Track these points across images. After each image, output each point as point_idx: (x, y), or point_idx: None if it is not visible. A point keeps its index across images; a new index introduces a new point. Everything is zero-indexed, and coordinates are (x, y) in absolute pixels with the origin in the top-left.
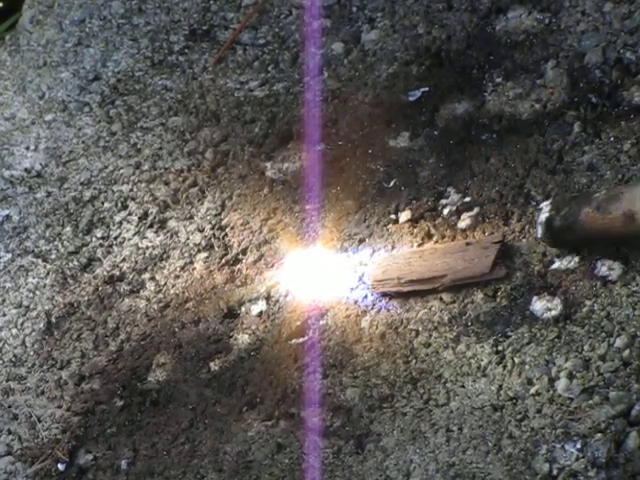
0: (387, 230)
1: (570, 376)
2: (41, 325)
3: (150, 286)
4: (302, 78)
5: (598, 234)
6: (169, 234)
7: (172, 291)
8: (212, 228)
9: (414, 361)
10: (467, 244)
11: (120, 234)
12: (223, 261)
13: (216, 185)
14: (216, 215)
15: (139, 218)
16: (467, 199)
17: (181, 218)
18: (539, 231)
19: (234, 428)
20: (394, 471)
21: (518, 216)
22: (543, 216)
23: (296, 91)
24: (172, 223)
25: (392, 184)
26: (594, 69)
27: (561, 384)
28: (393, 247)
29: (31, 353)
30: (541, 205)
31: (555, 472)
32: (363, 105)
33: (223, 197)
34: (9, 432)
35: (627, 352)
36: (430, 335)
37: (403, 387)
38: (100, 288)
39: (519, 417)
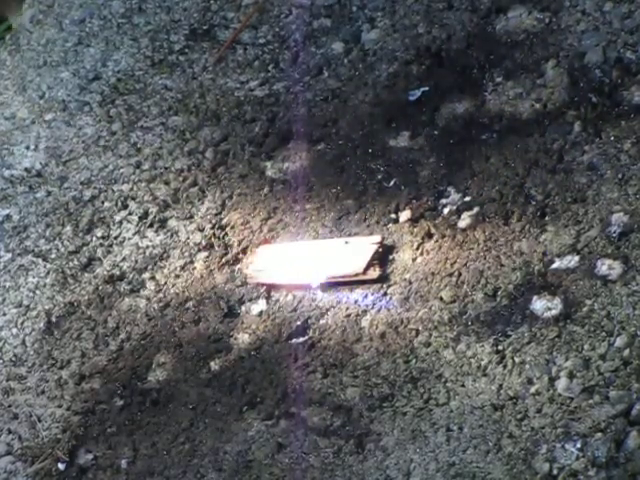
0: (387, 230)
1: (570, 375)
2: (41, 324)
3: (150, 285)
4: (302, 77)
5: None
6: (169, 233)
7: (172, 290)
8: (212, 227)
9: (414, 360)
10: (346, 243)
11: (120, 233)
12: (223, 260)
13: (216, 184)
14: (216, 214)
15: (139, 217)
16: (467, 198)
17: (181, 217)
18: None
19: (234, 427)
20: (394, 470)
21: (518, 215)
22: None
23: (296, 90)
24: (172, 222)
25: (392, 183)
26: (594, 69)
27: (561, 383)
28: (393, 247)
29: (31, 352)
30: None
31: (555, 471)
32: (363, 105)
33: (223, 196)
34: (9, 431)
35: (627, 351)
36: (430, 334)
37: (403, 386)
38: (100, 287)
39: (519, 416)
